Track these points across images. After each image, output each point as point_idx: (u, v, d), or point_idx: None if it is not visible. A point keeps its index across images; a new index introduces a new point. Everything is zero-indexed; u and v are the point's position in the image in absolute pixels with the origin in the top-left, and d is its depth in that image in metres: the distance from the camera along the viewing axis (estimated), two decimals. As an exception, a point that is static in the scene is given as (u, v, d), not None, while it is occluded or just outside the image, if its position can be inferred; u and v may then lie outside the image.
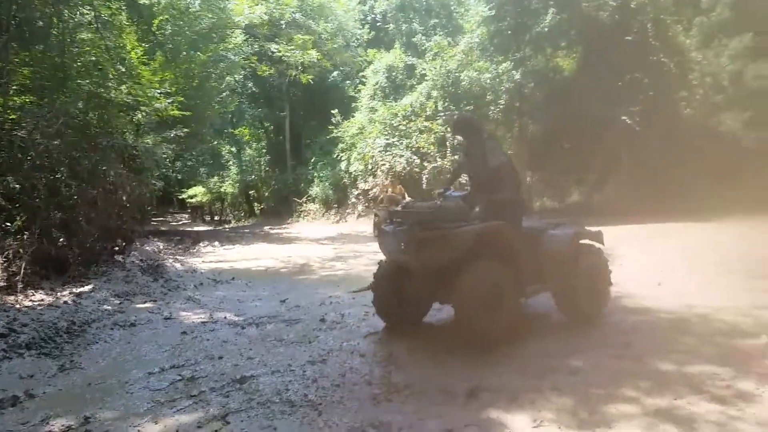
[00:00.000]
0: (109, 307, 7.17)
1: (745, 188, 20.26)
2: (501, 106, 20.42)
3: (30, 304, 6.69)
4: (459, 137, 6.08)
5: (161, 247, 13.51)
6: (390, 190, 17.05)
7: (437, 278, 5.25)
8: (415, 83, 23.99)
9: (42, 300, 6.91)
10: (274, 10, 21.39)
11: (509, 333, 5.13)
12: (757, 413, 3.50)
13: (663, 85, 18.16)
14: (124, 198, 10.55)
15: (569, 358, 4.69)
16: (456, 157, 20.61)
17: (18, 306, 6.49)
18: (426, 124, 21.75)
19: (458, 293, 4.93)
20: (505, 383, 4.15)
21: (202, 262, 12.56)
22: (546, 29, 18.68)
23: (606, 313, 6.01)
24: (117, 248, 10.22)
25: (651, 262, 9.27)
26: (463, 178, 12.74)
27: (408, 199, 15.08)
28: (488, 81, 20.48)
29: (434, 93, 22.09)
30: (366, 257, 12.35)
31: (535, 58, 20.12)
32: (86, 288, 7.73)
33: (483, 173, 5.62)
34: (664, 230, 12.75)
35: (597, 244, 6.08)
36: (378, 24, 31.42)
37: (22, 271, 7.28)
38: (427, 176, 20.83)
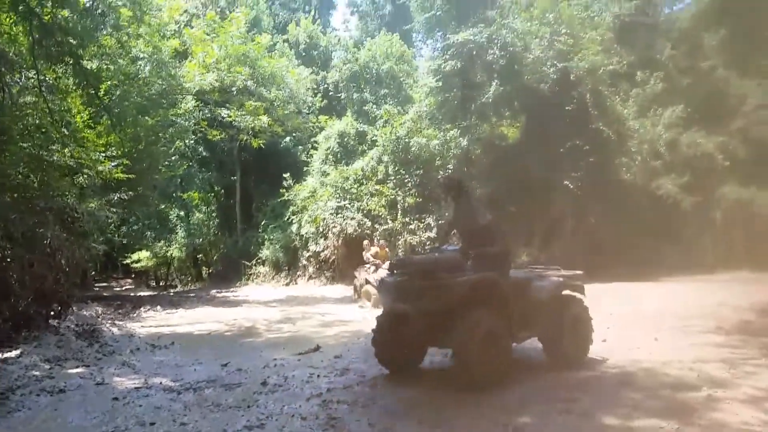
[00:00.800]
0: (38, 373, 6.79)
1: (685, 248, 21.08)
2: (449, 171, 20.90)
3: (-51, 370, 6.28)
4: (447, 197, 6.84)
5: (100, 311, 13.00)
6: (371, 251, 15.70)
7: (435, 324, 5.62)
8: (366, 148, 24.40)
9: (-37, 367, 6.50)
10: (226, 78, 21.63)
11: (502, 375, 5.55)
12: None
13: (603, 151, 18.97)
14: (63, 262, 10.19)
15: (517, 413, 4.65)
16: (407, 218, 20.91)
17: (-65, 373, 6.08)
18: (377, 187, 22.01)
19: (457, 338, 5.40)
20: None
21: (141, 326, 12.08)
22: (490, 99, 19.41)
23: (551, 368, 6.03)
24: (52, 312, 9.78)
25: (596, 319, 9.38)
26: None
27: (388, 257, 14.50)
28: (437, 147, 21.05)
29: (385, 158, 22.50)
30: (314, 319, 12.17)
31: (480, 126, 20.81)
32: (13, 353, 7.32)
33: (473, 229, 6.09)
34: (609, 289, 12.98)
35: (578, 294, 6.60)
36: (330, 93, 32.13)
37: (-56, 336, 6.87)
38: (378, 238, 20.91)
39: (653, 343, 7.37)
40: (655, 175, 20.52)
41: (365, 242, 16.36)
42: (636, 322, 9.09)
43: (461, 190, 6.39)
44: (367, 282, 13.84)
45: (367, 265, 14.77)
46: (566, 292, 6.48)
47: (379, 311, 7.01)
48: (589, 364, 6.33)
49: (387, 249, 16.41)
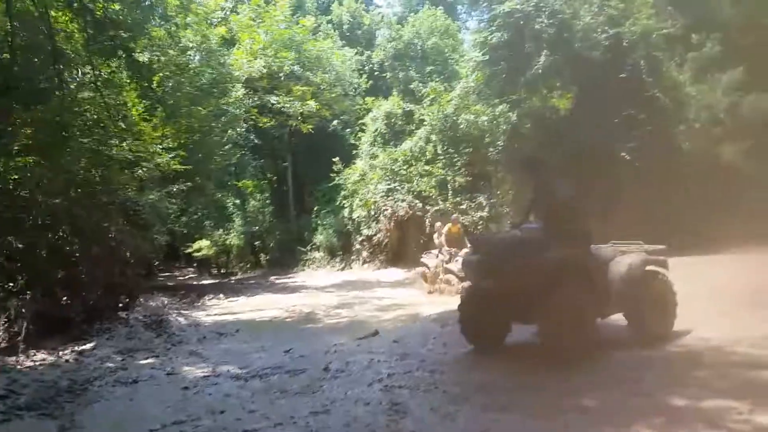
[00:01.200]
0: (112, 365, 7.09)
1: (750, 219, 20.19)
2: (500, 147, 20.57)
3: (31, 364, 6.62)
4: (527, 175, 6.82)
5: (165, 302, 13.43)
6: (445, 229, 14.41)
7: (520, 301, 5.80)
8: (413, 128, 24.23)
9: (43, 359, 6.84)
10: (273, 64, 21.82)
11: (588, 351, 5.58)
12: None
13: (659, 120, 18.29)
14: (128, 254, 10.55)
15: (580, 396, 4.57)
16: (458, 198, 20.74)
17: (19, 366, 6.43)
18: (426, 167, 21.87)
19: (544, 315, 5.56)
20: (517, 426, 4.03)
21: (206, 315, 12.44)
22: (540, 71, 18.93)
23: (616, 347, 5.89)
24: (120, 305, 10.18)
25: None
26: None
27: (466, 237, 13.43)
28: (485, 123, 20.67)
29: (433, 137, 22.29)
30: (371, 303, 12.24)
31: (530, 100, 20.31)
32: (88, 346, 7.66)
33: (555, 207, 6.07)
34: (671, 263, 12.59)
35: (663, 270, 6.62)
36: (375, 73, 31.98)
37: (24, 331, 7.23)
38: (429, 219, 20.84)
39: (720, 319, 7.04)
40: (715, 142, 19.66)
41: (437, 224, 15.35)
42: (700, 297, 8.73)
43: (541, 168, 6.48)
44: (447, 271, 12.81)
45: (434, 251, 13.97)
46: (649, 267, 6.47)
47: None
48: (655, 343, 6.13)
49: (460, 225, 14.99)
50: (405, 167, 22.39)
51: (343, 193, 25.45)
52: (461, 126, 21.01)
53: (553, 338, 5.55)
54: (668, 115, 18.62)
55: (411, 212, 21.11)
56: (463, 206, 20.66)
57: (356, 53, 29.62)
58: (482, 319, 6.35)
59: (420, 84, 24.15)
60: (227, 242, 35.17)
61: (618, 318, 6.55)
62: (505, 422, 4.13)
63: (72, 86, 11.20)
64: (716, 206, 19.21)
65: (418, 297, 12.34)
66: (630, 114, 17.92)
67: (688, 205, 18.50)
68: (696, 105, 19.52)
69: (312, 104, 21.81)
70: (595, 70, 18.84)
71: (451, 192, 21.07)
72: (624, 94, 18.47)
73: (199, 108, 17.92)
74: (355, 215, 24.13)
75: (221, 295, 16.88)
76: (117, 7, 11.59)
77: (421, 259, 14.53)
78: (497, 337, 6.53)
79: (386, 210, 21.97)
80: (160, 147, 13.55)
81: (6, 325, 7.40)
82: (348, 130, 29.98)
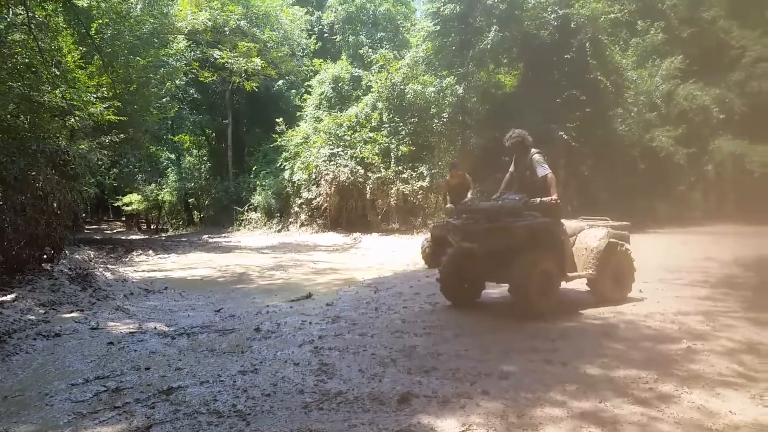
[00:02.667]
0: (33, 317, 6.85)
1: (677, 201, 21.26)
2: (444, 119, 20.75)
3: (-55, 313, 6.32)
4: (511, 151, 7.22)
5: (92, 255, 13.03)
6: (448, 177, 11.92)
7: (496, 262, 6.57)
8: (360, 94, 24.09)
9: (-41, 310, 6.54)
10: (218, 17, 21.14)
11: (552, 309, 6.39)
12: (675, 413, 3.63)
13: (599, 102, 18.84)
14: (55, 205, 10.13)
15: (501, 362, 4.76)
16: (401, 167, 20.86)
17: (-69, 315, 6.12)
18: (371, 134, 21.86)
19: (516, 275, 6.24)
20: (437, 389, 4.16)
21: (134, 271, 12.16)
22: (489, 46, 19.11)
23: (538, 319, 6.16)
24: (45, 256, 9.80)
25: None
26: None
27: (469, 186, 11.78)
28: (432, 94, 20.78)
29: (379, 104, 22.27)
30: (306, 266, 12.24)
31: (477, 74, 20.52)
32: (8, 297, 7.35)
33: (531, 181, 6.78)
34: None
35: (624, 243, 7.34)
36: (325, 35, 31.48)
37: (-61, 279, 6.89)
38: (370, 186, 20.91)
39: (637, 295, 7.50)
40: (649, 126, 20.44)
41: (450, 173, 12.10)
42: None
43: (525, 145, 6.96)
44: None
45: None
46: (612, 240, 7.12)
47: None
48: (571, 315, 6.48)
49: (467, 174, 12.10)
50: (349, 133, 22.35)
51: (284, 154, 25.19)
52: (408, 95, 21.07)
53: (521, 296, 6.25)
54: (608, 98, 19.20)
55: (353, 178, 21.13)
56: (405, 175, 20.82)
57: (306, 13, 29.05)
58: (461, 278, 7.19)
59: (370, 50, 23.98)
60: (159, 198, 34.24)
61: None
62: (426, 384, 4.27)
63: (1, 26, 10.58)
64: (648, 187, 20.12)
65: (354, 262, 12.43)
66: (572, 94, 18.36)
67: (621, 185, 19.27)
68: (635, 90, 20.19)
69: (257, 62, 21.34)
70: (542, 49, 19.20)
71: (393, 160, 21.19)
72: (568, 74, 18.94)
73: (138, 58, 17.26)
74: (295, 178, 23.98)
75: (150, 252, 16.50)
76: (54, -54, 10.98)
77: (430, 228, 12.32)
78: (472, 294, 7.40)
79: (327, 175, 21.93)
80: (95, 96, 13.01)
81: None
82: (293, 91, 29.54)
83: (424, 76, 21.46)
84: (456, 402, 3.92)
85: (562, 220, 6.94)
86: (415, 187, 20.51)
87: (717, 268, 9.93)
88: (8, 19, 10.95)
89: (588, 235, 7.16)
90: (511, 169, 7.26)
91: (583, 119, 18.25)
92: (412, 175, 20.81)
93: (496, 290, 7.81)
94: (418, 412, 3.77)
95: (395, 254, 14.68)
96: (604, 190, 18.84)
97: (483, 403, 3.89)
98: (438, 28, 20.40)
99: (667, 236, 14.35)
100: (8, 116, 10.02)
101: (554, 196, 6.49)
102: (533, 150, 6.96)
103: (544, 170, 6.70)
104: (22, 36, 10.93)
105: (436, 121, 20.93)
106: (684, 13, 22.83)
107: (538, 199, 6.56)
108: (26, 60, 11.00)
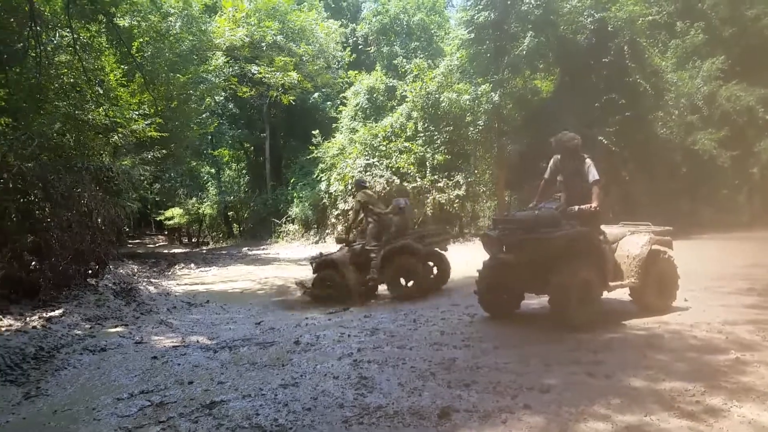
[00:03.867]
0: (80, 332, 7.04)
1: (721, 205, 20.64)
2: (480, 127, 20.61)
3: (-3, 329, 6.54)
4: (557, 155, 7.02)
5: (136, 270, 13.35)
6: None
7: (534, 273, 6.38)
8: (395, 104, 24.14)
9: (10, 325, 6.76)
10: (255, 32, 21.52)
11: (593, 320, 6.22)
12: (725, 428, 3.51)
13: (639, 105, 18.45)
14: (99, 220, 10.41)
15: (542, 376, 4.68)
16: (436, 176, 20.77)
17: (-15, 331, 6.34)
18: (406, 144, 21.87)
19: (554, 286, 6.14)
20: (477, 403, 4.11)
21: (177, 284, 12.41)
22: (524, 52, 18.94)
23: (578, 330, 6.03)
24: (90, 271, 10.06)
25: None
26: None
27: None
28: (467, 102, 20.67)
29: (414, 114, 22.26)
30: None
31: (513, 80, 20.35)
32: (56, 312, 7.57)
33: (580, 186, 6.61)
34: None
35: (667, 249, 7.09)
36: (359, 47, 31.72)
37: (-9, 295, 7.14)
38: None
39: (682, 303, 7.26)
40: (692, 129, 19.92)
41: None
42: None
43: (573, 148, 6.78)
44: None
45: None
46: (655, 246, 6.91)
47: None
48: (615, 326, 6.31)
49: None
50: (385, 143, 22.37)
51: (321, 166, 25.36)
52: (443, 104, 21.00)
53: (560, 306, 6.16)
54: (648, 101, 18.79)
55: (389, 188, 21.13)
56: (441, 184, 20.76)
57: (341, 26, 29.33)
58: (498, 289, 7.08)
59: (404, 60, 24.02)
60: (200, 211, 34.91)
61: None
62: (467, 398, 4.22)
63: (49, 48, 10.96)
64: (691, 192, 19.60)
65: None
66: (611, 98, 18.04)
67: (663, 190, 18.81)
68: (676, 92, 19.72)
69: (294, 76, 21.64)
70: (578, 54, 18.93)
71: (429, 169, 21.16)
72: (606, 78, 18.61)
73: (179, 75, 17.67)
74: (332, 189, 24.11)
75: (192, 265, 16.80)
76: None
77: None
78: (511, 306, 7.26)
79: (364, 185, 21.92)
80: (137, 113, 13.37)
81: (-27, 289, 7.30)
82: (329, 103, 29.78)
83: (458, 84, 21.39)
84: (497, 416, 3.86)
85: (603, 227, 6.75)
86: (451, 196, 20.43)
87: (764, 275, 9.53)
88: (55, 41, 11.34)
89: (630, 242, 6.92)
90: (547, 175, 7.09)
91: (622, 123, 17.89)
92: (447, 183, 20.74)
93: (535, 301, 7.64)
94: (459, 427, 3.74)
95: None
96: (646, 195, 18.40)
97: (525, 417, 3.83)
98: (472, 35, 20.31)
99: (711, 241, 13.90)
100: (54, 135, 10.34)
101: (594, 204, 6.32)
102: (584, 155, 6.81)
103: (595, 176, 6.55)
104: (68, 57, 11.33)
105: (471, 129, 20.81)
106: (725, 12, 22.17)
107: (576, 208, 6.40)
108: (71, 80, 11.42)
